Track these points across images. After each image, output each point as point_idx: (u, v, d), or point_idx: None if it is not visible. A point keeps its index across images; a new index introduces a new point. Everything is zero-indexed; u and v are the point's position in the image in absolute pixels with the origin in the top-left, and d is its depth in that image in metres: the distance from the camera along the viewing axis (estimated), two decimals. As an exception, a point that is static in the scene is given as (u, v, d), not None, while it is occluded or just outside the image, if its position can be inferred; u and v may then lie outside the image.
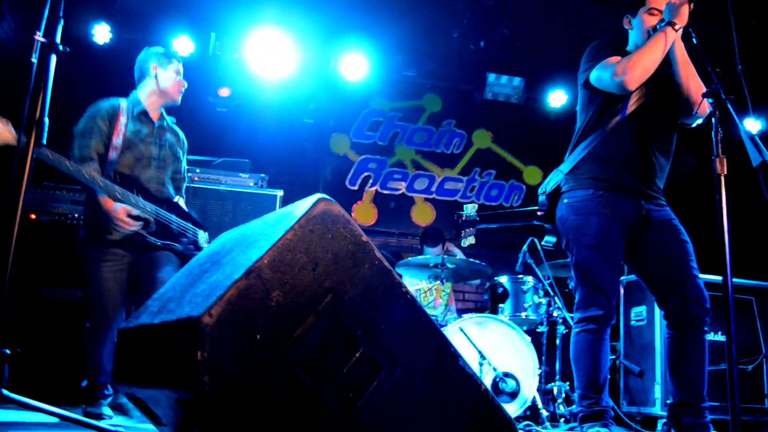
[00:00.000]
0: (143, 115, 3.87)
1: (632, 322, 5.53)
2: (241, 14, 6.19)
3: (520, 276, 5.33)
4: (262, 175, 5.16)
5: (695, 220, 4.62)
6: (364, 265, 1.85)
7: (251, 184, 5.09)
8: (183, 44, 6.26)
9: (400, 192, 7.02)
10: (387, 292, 1.85)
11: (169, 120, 4.09)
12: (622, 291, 5.65)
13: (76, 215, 4.76)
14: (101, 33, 6.12)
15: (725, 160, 2.69)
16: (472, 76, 6.88)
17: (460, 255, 6.24)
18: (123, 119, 3.76)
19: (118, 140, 3.69)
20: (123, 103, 3.83)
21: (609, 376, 3.03)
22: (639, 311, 5.38)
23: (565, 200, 3.11)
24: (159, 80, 3.92)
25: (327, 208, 1.85)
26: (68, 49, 2.40)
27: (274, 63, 6.31)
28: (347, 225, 1.86)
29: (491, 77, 6.69)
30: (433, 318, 5.13)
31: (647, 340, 5.27)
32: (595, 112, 3.15)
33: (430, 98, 7.23)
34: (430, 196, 7.07)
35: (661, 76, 3.13)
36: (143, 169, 3.78)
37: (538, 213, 3.19)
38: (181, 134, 4.16)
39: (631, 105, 3.06)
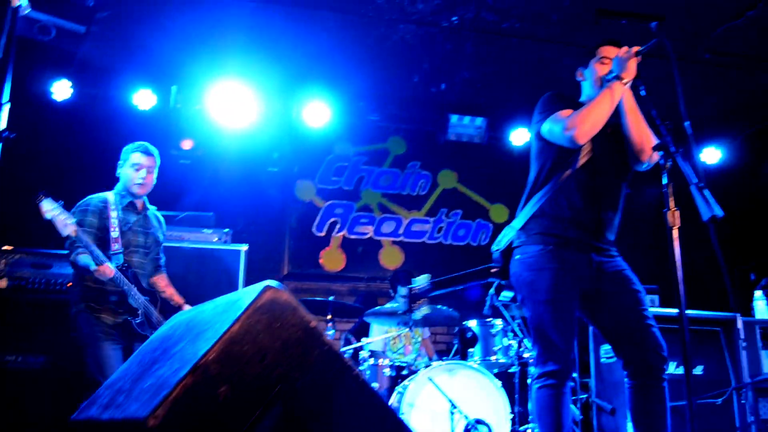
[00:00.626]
0: (130, 206, 4.11)
1: (602, 360, 5.56)
2: (201, 67, 6.20)
3: (489, 319, 5.33)
4: (226, 230, 5.14)
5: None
6: (314, 352, 1.84)
7: (215, 240, 5.07)
8: (144, 98, 6.28)
9: (367, 236, 7.04)
10: (337, 376, 1.85)
11: (152, 209, 4.32)
12: (591, 329, 5.68)
13: (37, 280, 4.69)
14: (61, 89, 6.09)
15: (678, 212, 2.73)
16: (434, 118, 6.94)
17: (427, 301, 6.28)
18: (114, 213, 3.99)
19: (114, 232, 3.93)
20: (109, 196, 4.06)
21: (574, 428, 3.04)
22: (608, 348, 5.40)
23: (517, 256, 3.12)
24: (121, 178, 4.13)
25: (274, 296, 1.84)
26: (13, 135, 2.38)
27: (236, 113, 6.34)
28: (295, 312, 1.86)
29: (453, 118, 6.76)
30: (404, 364, 5.15)
31: (618, 377, 5.28)
32: (546, 163, 3.17)
33: (395, 141, 7.29)
34: (398, 239, 7.10)
35: (611, 128, 3.17)
36: (135, 256, 4.04)
37: (492, 270, 3.21)
38: (162, 219, 4.40)
39: (582, 158, 3.09)
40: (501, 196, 7.31)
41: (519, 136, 6.98)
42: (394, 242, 7.09)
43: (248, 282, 6.13)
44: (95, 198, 4.03)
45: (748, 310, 5.99)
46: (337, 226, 6.98)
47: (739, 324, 5.63)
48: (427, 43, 5.95)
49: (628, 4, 5.38)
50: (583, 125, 2.99)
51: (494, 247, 3.22)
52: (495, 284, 5.36)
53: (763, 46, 5.92)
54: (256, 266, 6.59)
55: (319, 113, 6.54)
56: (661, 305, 6.77)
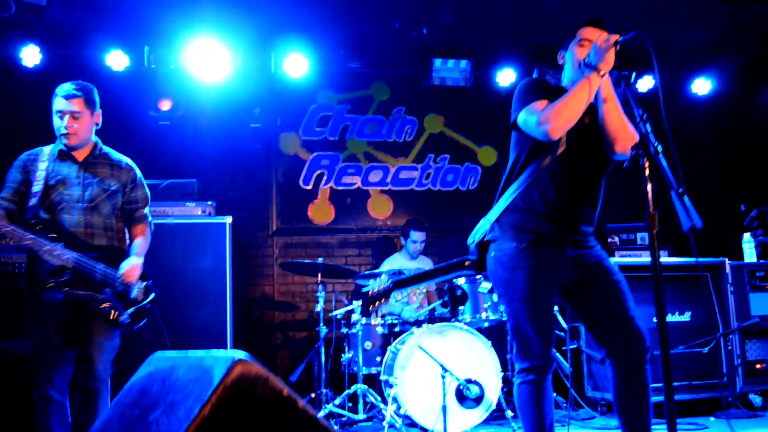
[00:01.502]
0: (65, 156, 3.63)
1: (592, 310, 5.63)
2: (174, 24, 5.99)
3: (478, 276, 5.36)
4: (209, 202, 5.09)
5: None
6: (290, 420, 1.84)
7: (199, 213, 5.03)
8: (116, 59, 6.10)
9: (355, 186, 6.97)
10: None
11: (110, 152, 3.79)
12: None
13: (23, 263, 4.67)
14: (30, 55, 5.91)
15: (657, 216, 2.70)
16: (418, 63, 6.76)
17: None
18: (43, 165, 3.58)
19: (37, 186, 3.52)
20: (46, 148, 3.66)
21: (554, 422, 3.07)
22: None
23: (492, 253, 3.07)
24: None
25: (243, 370, 1.81)
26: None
27: (214, 70, 6.15)
28: (266, 384, 1.84)
29: (437, 62, 6.57)
30: (397, 322, 5.22)
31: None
32: (522, 153, 3.08)
33: (378, 87, 7.12)
34: (386, 188, 7.03)
35: (590, 117, 3.08)
36: (65, 213, 3.55)
37: (466, 264, 3.18)
38: (125, 163, 3.83)
39: (558, 149, 3.01)
40: (489, 138, 7.21)
41: (505, 77, 6.82)
42: (382, 191, 7.03)
43: (236, 250, 6.14)
44: (31, 151, 3.65)
45: (739, 250, 6.03)
46: (324, 178, 6.91)
47: (727, 268, 5.69)
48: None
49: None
50: (557, 119, 2.87)
51: (470, 240, 3.18)
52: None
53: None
54: (245, 225, 6.60)
55: (299, 64, 6.36)
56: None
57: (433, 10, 6.10)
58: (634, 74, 6.98)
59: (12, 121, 5.96)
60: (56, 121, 3.58)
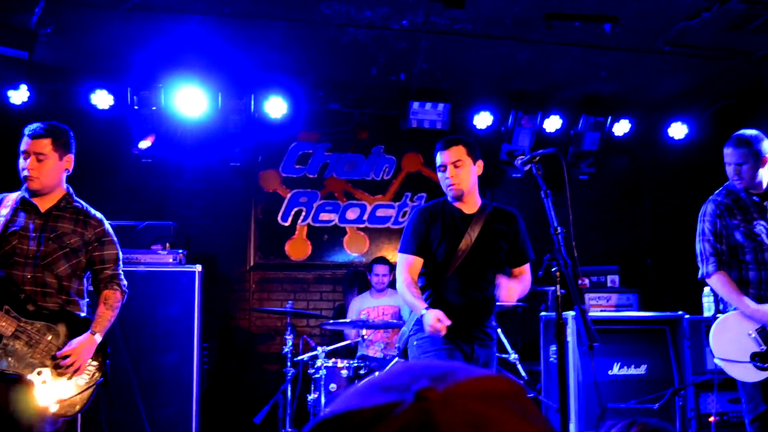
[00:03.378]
0: (27, 205, 3.36)
1: (550, 359, 5.83)
2: (156, 66, 6.20)
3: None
4: (180, 250, 5.31)
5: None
6: None
7: (170, 260, 5.24)
8: (101, 98, 6.29)
9: (332, 224, 7.18)
10: None
11: (79, 205, 3.52)
12: (541, 328, 5.92)
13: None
14: (18, 93, 6.09)
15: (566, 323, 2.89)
16: (396, 104, 6.95)
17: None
18: (4, 211, 3.30)
19: None
20: (13, 194, 3.40)
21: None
22: (554, 349, 5.65)
23: (414, 343, 3.57)
24: None
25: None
26: None
27: (195, 111, 6.34)
28: None
29: (415, 105, 6.76)
30: (362, 365, 5.43)
31: (559, 378, 5.55)
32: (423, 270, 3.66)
33: (358, 126, 7.31)
34: (362, 225, 7.23)
35: (486, 232, 3.63)
36: (16, 268, 3.25)
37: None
38: (95, 218, 3.53)
39: (452, 266, 3.54)
40: (465, 178, 7.39)
41: (482, 120, 6.99)
42: (358, 228, 7.22)
43: (215, 283, 6.37)
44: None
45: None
46: (302, 215, 7.11)
47: (685, 322, 5.86)
48: (380, 42, 5.92)
49: (579, 6, 5.35)
50: (399, 293, 3.64)
51: (398, 344, 3.68)
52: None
53: (719, 40, 5.90)
54: (224, 259, 6.83)
55: (278, 106, 6.54)
56: (621, 284, 7.02)
57: (410, 60, 6.29)
58: (610, 118, 7.14)
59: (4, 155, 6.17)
60: (21, 162, 3.32)
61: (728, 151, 4.17)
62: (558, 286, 2.88)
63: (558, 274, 2.87)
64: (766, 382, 4.10)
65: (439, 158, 3.60)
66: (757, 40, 5.88)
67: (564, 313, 4.40)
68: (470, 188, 3.61)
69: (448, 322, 3.25)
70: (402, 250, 3.62)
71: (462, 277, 3.53)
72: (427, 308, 3.33)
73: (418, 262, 3.57)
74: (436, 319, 3.25)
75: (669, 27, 5.65)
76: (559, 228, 2.97)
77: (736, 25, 5.58)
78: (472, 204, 3.66)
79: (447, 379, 0.62)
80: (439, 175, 3.61)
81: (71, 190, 3.54)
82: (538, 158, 3.14)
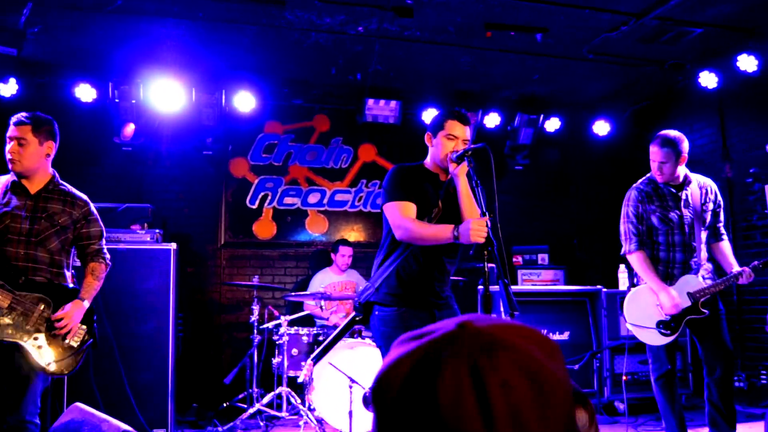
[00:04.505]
0: (18, 187, 3.42)
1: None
2: (136, 62, 6.23)
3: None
4: (157, 230, 5.37)
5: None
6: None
7: (148, 239, 5.31)
8: (84, 91, 6.30)
9: (295, 207, 7.29)
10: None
11: (65, 187, 3.57)
12: (479, 300, 6.14)
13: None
14: (7, 86, 6.07)
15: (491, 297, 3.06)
16: (354, 101, 7.08)
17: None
18: None
19: None
20: (3, 177, 3.46)
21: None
22: (491, 319, 5.89)
23: (376, 312, 3.41)
24: None
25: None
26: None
27: (171, 104, 6.39)
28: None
29: (370, 102, 6.90)
30: (321, 332, 5.56)
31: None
32: (390, 233, 3.39)
33: (319, 119, 7.43)
34: (323, 208, 7.37)
35: (448, 208, 3.40)
36: (9, 246, 3.30)
37: (357, 320, 3.54)
38: (80, 198, 3.59)
39: None
40: (415, 167, 7.56)
41: (430, 115, 7.16)
42: (319, 211, 7.36)
43: (189, 260, 6.44)
44: None
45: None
46: (268, 199, 7.21)
47: (603, 295, 6.15)
48: (339, 45, 6.04)
49: (514, 18, 5.52)
50: (413, 238, 3.23)
51: (356, 299, 3.54)
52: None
53: (636, 50, 6.14)
54: (197, 238, 6.91)
55: (247, 100, 6.63)
56: (550, 262, 7.27)
57: (365, 62, 6.42)
58: (542, 116, 7.35)
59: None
60: (5, 146, 3.39)
61: (654, 150, 4.29)
62: (486, 263, 3.03)
63: (486, 252, 3.03)
64: (669, 346, 4.36)
65: (458, 130, 3.36)
66: (668, 50, 6.15)
67: (493, 287, 4.60)
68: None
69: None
70: (392, 199, 3.32)
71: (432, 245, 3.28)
72: (456, 230, 3.05)
73: (412, 206, 3.30)
74: (481, 227, 2.99)
75: (592, 38, 5.88)
76: (487, 213, 3.07)
77: (651, 37, 5.84)
78: (445, 172, 3.48)
79: (480, 319, 0.76)
80: (445, 141, 3.35)
81: (56, 174, 3.58)
82: (470, 152, 3.25)
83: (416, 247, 3.32)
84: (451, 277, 3.56)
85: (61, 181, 3.58)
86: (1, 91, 6.07)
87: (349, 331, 3.82)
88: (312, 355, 4.05)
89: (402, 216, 3.26)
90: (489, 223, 3.07)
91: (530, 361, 0.73)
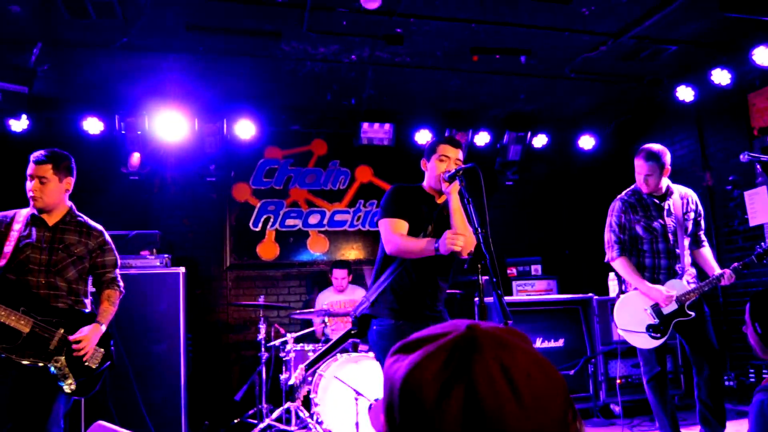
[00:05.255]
0: (37, 220, 3.50)
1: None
2: (140, 95, 6.35)
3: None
4: (166, 255, 5.47)
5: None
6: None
7: (157, 264, 5.41)
8: (92, 124, 6.41)
9: (296, 228, 7.39)
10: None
11: (82, 219, 3.65)
12: (476, 312, 6.22)
13: None
14: (18, 122, 6.17)
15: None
16: (349, 125, 7.19)
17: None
18: (17, 226, 3.45)
19: (8, 246, 3.38)
20: (23, 210, 3.54)
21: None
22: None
23: (374, 327, 3.45)
24: None
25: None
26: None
27: (175, 134, 6.50)
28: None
29: (365, 125, 7.02)
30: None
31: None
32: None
33: (317, 144, 7.55)
34: (323, 229, 7.47)
35: (441, 224, 3.48)
36: (30, 275, 3.39)
37: (352, 333, 3.62)
38: (95, 229, 3.67)
39: None
40: (410, 186, 7.67)
41: (422, 136, 7.27)
42: (320, 232, 7.46)
43: (196, 283, 6.52)
44: (6, 213, 3.54)
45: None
46: (270, 221, 7.32)
47: (594, 302, 6.25)
48: (333, 73, 6.18)
49: (498, 41, 5.66)
50: (400, 251, 3.35)
51: (353, 313, 3.60)
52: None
53: (616, 68, 6.29)
54: (203, 261, 6.99)
55: (247, 128, 6.75)
56: (543, 273, 7.36)
57: (359, 87, 6.56)
58: (529, 133, 7.48)
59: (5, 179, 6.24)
60: (27, 184, 3.47)
61: (639, 163, 4.39)
62: (480, 276, 3.13)
63: (479, 266, 3.13)
64: (659, 349, 4.46)
65: (449, 152, 3.49)
66: (646, 66, 6.30)
67: (488, 298, 4.69)
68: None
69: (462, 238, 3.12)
70: (385, 216, 3.42)
71: (425, 259, 3.34)
72: (437, 242, 3.15)
73: (404, 223, 3.39)
74: (453, 236, 3.10)
75: (574, 57, 6.03)
76: (479, 228, 3.16)
77: (629, 55, 5.99)
78: (440, 194, 3.56)
79: (481, 323, 0.84)
80: (437, 163, 3.47)
81: (73, 206, 3.67)
82: (461, 172, 3.36)
83: (409, 262, 3.41)
84: (448, 291, 3.65)
85: (77, 213, 3.67)
86: (12, 126, 6.18)
87: (344, 343, 3.87)
88: (305, 363, 4.13)
89: (392, 231, 3.36)
90: (481, 238, 3.17)
91: (535, 355, 0.83)
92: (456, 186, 3.37)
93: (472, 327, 0.83)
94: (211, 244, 7.13)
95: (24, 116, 6.14)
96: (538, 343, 5.97)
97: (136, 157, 6.57)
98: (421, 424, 0.77)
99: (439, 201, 3.60)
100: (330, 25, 5.22)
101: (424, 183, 3.66)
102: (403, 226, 3.40)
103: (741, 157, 4.07)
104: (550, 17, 5.24)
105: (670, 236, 4.46)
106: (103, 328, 3.56)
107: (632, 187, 4.64)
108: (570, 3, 4.97)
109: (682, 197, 4.58)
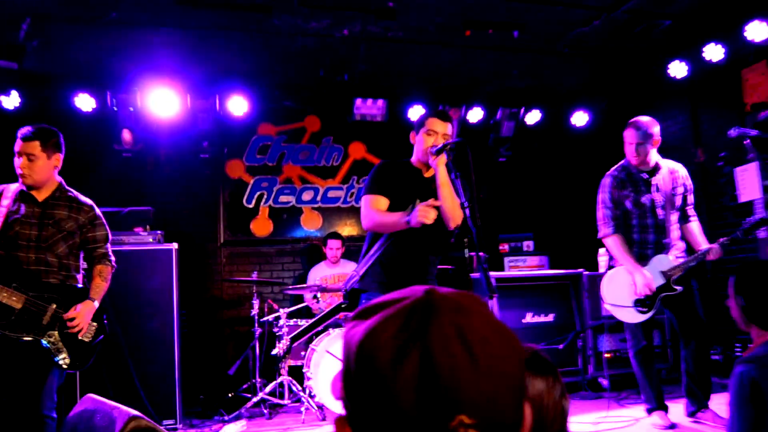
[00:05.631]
0: (26, 196, 3.47)
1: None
2: (132, 71, 6.29)
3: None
4: (158, 231, 5.45)
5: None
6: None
7: (150, 240, 5.39)
8: (84, 101, 6.35)
9: (290, 205, 7.38)
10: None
11: (71, 194, 3.62)
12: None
13: None
14: (10, 100, 6.11)
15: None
16: (342, 101, 7.13)
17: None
18: (5, 202, 3.42)
19: None
20: (12, 186, 3.50)
21: None
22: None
23: (363, 301, 3.45)
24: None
25: (136, 425, 2.26)
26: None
27: (168, 110, 6.45)
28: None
29: (358, 101, 6.97)
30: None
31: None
32: None
33: (310, 120, 7.50)
34: (316, 205, 7.45)
35: (433, 192, 3.45)
36: (20, 251, 3.37)
37: (342, 307, 3.62)
38: (85, 204, 3.64)
39: None
40: (403, 162, 7.64)
41: (415, 112, 7.20)
42: (313, 208, 7.45)
43: (191, 259, 6.50)
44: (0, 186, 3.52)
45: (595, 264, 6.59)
46: (264, 198, 7.30)
47: (584, 278, 6.25)
48: (326, 48, 6.11)
49: (491, 16, 5.61)
50: (375, 226, 3.42)
51: (344, 286, 3.60)
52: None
53: (609, 43, 6.24)
54: (198, 238, 6.98)
55: (240, 104, 6.68)
56: (535, 249, 7.36)
57: (351, 63, 6.50)
58: (523, 109, 7.43)
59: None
60: (15, 160, 3.44)
61: (629, 133, 4.46)
62: (467, 250, 3.12)
63: (466, 240, 3.12)
64: (645, 323, 4.49)
65: (437, 126, 3.47)
66: (641, 42, 6.24)
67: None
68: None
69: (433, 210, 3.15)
70: (366, 192, 3.46)
71: (413, 233, 3.33)
72: (408, 215, 3.19)
73: (383, 200, 3.42)
74: (427, 209, 3.12)
75: (567, 32, 5.97)
76: (466, 203, 3.14)
77: (623, 30, 5.93)
78: (428, 167, 3.58)
79: (439, 288, 0.82)
80: (425, 137, 3.46)
81: (63, 181, 3.63)
82: (449, 146, 3.34)
83: (397, 237, 3.40)
84: (441, 266, 3.64)
85: (68, 188, 3.64)
86: (4, 103, 6.13)
87: (334, 316, 3.89)
88: (292, 335, 4.13)
89: (369, 207, 3.40)
90: (468, 212, 3.17)
91: (492, 320, 0.82)
92: (443, 159, 3.35)
93: (429, 291, 0.82)
94: (204, 220, 7.11)
95: (15, 93, 6.09)
96: (528, 318, 5.99)
97: (128, 134, 6.52)
98: (375, 388, 0.76)
99: (427, 175, 3.60)
100: None
101: (413, 157, 3.65)
102: (381, 202, 3.43)
103: (730, 132, 4.06)
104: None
105: (659, 211, 4.47)
106: (96, 304, 3.57)
107: (621, 162, 4.64)
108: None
109: (671, 172, 4.57)
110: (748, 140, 3.95)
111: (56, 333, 3.39)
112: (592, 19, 5.70)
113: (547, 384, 1.40)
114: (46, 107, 6.34)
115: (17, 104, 6.17)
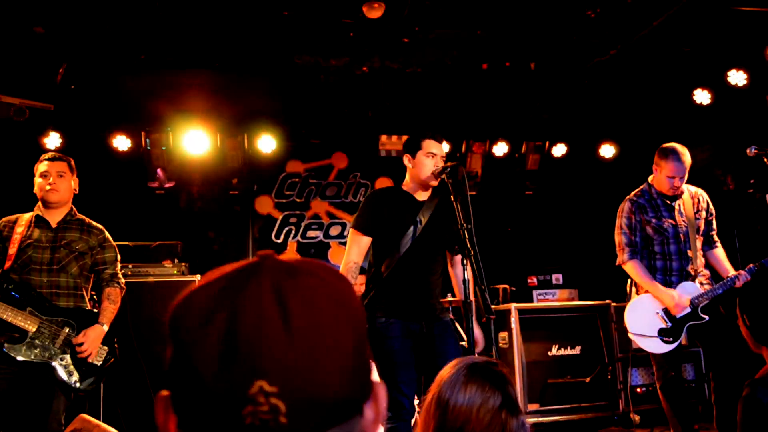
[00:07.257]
0: (40, 221, 3.53)
1: (499, 345, 5.89)
2: (165, 113, 6.39)
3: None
4: (184, 263, 5.44)
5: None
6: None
7: (174, 272, 5.38)
8: (120, 141, 6.45)
9: (318, 240, 7.31)
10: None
11: (82, 218, 3.69)
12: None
13: None
14: (51, 140, 6.23)
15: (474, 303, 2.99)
16: (368, 137, 7.10)
17: None
18: (20, 229, 3.48)
19: (12, 249, 3.41)
20: (25, 215, 3.57)
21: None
22: (504, 335, 5.74)
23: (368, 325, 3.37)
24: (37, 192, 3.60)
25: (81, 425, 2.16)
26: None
27: (199, 149, 6.52)
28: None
29: (383, 137, 6.93)
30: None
31: (509, 360, 5.64)
32: (374, 250, 3.48)
33: (337, 157, 7.48)
34: (344, 240, 7.37)
35: (429, 223, 3.43)
36: (33, 274, 3.41)
37: None
38: (95, 227, 3.70)
39: (403, 248, 3.35)
40: (430, 196, 7.52)
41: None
42: (340, 243, 7.36)
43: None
44: (9, 218, 3.57)
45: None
46: (292, 233, 7.26)
47: (611, 309, 5.95)
48: (348, 85, 6.12)
49: (508, 53, 5.52)
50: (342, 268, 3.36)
51: None
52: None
53: (627, 77, 6.07)
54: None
55: (269, 142, 6.71)
56: (564, 282, 7.08)
57: (374, 99, 6.48)
58: (547, 142, 7.25)
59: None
60: (39, 182, 3.51)
61: (669, 165, 4.08)
62: (466, 272, 2.99)
63: (466, 262, 2.98)
64: (671, 353, 4.20)
65: (434, 148, 3.45)
66: (662, 70, 6.05)
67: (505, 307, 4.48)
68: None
69: None
70: (352, 226, 3.45)
71: (413, 257, 3.34)
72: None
73: (364, 240, 3.40)
74: None
75: (586, 63, 5.83)
76: (464, 225, 3.04)
77: (642, 60, 5.76)
78: (426, 192, 3.55)
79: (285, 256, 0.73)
80: (425, 159, 3.43)
81: (73, 207, 3.71)
82: (448, 170, 3.26)
83: (399, 261, 3.33)
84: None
85: (77, 213, 3.70)
86: (47, 145, 6.24)
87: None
88: None
89: (348, 250, 3.40)
90: (466, 234, 3.05)
91: (335, 288, 0.69)
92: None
93: (265, 255, 0.70)
94: (234, 255, 7.08)
95: (56, 134, 6.20)
96: (554, 351, 5.70)
97: (161, 172, 6.61)
98: (179, 359, 0.64)
99: (420, 199, 3.49)
100: (338, 37, 5.15)
101: (406, 181, 3.61)
102: (363, 242, 3.39)
103: (748, 150, 3.81)
104: (559, 22, 5.08)
105: (682, 237, 4.21)
106: (105, 328, 3.56)
107: (641, 187, 4.41)
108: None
109: (692, 197, 4.32)
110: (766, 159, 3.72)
111: (68, 356, 3.40)
112: (609, 49, 5.55)
113: (482, 393, 1.25)
114: (82, 147, 6.45)
115: (59, 145, 6.29)
